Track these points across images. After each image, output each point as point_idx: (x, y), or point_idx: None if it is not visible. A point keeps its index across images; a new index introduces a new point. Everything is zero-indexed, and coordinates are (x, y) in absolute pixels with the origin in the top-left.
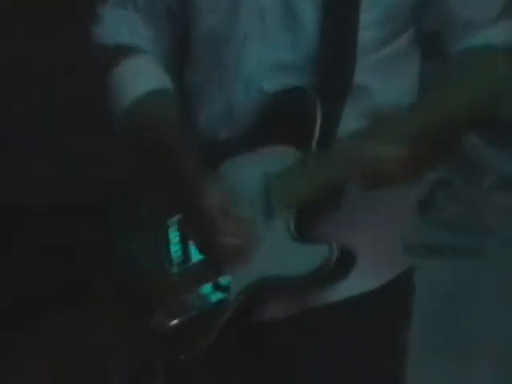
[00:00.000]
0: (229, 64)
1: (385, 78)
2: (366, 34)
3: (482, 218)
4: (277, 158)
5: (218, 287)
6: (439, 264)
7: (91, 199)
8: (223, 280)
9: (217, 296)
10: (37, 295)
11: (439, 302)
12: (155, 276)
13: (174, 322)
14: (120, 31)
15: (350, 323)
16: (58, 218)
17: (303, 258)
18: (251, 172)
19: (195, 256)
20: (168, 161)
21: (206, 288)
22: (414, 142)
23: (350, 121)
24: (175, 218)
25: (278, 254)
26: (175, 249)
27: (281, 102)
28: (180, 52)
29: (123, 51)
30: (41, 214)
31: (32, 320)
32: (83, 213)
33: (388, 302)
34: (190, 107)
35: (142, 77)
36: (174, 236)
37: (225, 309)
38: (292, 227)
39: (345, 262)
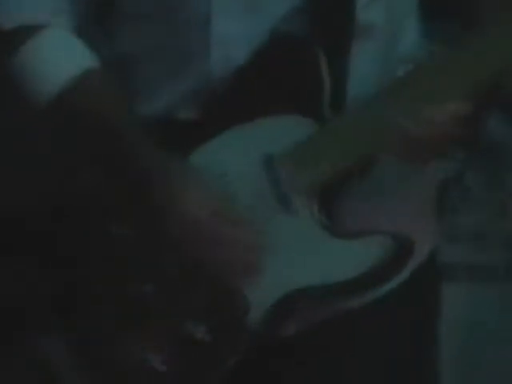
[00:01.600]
0: (192, 25)
1: (391, 12)
2: None
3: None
4: (275, 132)
5: None
6: (453, 288)
7: None
8: None
9: None
10: None
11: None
12: None
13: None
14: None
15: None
16: None
17: (346, 256)
18: (241, 155)
19: None
20: (122, 153)
21: None
22: (470, 97)
23: (363, 71)
24: None
25: (309, 255)
26: None
27: (270, 58)
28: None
29: (29, 31)
30: None
31: None
32: None
33: (414, 294)
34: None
35: (65, 54)
36: None
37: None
38: (321, 217)
39: (401, 253)
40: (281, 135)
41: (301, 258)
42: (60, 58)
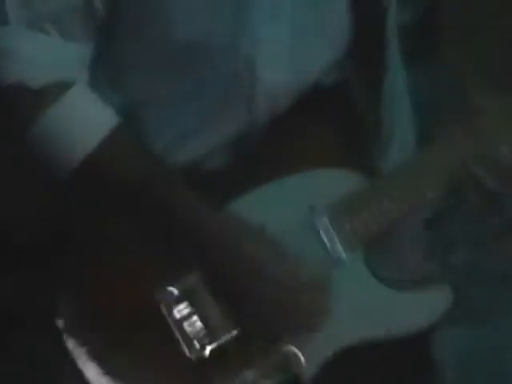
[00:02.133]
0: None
1: None
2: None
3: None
4: (320, 185)
5: None
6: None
7: None
8: None
9: None
10: None
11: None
12: None
13: None
14: (47, 65)
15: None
16: None
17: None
18: (284, 208)
19: None
20: (172, 211)
21: None
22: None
23: None
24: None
25: (366, 309)
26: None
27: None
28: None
29: (57, 89)
30: None
31: None
32: None
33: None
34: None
35: (93, 114)
36: None
37: None
38: (379, 270)
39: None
40: (326, 189)
41: (358, 310)
42: (87, 119)
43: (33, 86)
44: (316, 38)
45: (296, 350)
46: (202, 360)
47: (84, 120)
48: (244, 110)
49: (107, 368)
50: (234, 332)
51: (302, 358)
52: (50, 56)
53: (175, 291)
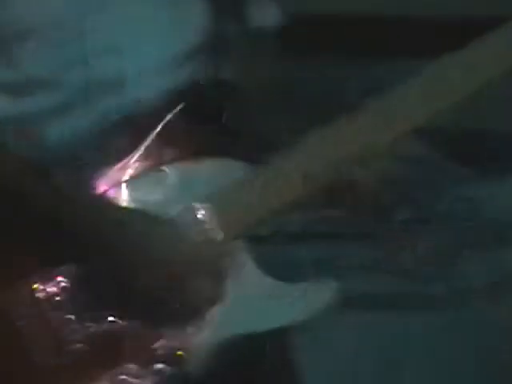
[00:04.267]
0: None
1: None
2: None
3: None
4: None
5: None
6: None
7: None
8: None
9: None
10: None
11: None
12: None
13: None
14: None
15: None
16: None
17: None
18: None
19: None
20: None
21: None
22: None
23: None
24: None
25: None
26: None
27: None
28: None
29: None
30: None
31: None
32: None
33: None
34: None
35: None
36: None
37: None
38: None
39: None
40: (208, 177)
41: (245, 302)
42: None
43: None
44: (178, 18)
45: (178, 345)
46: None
47: None
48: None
49: None
50: (106, 325)
51: (185, 353)
52: None
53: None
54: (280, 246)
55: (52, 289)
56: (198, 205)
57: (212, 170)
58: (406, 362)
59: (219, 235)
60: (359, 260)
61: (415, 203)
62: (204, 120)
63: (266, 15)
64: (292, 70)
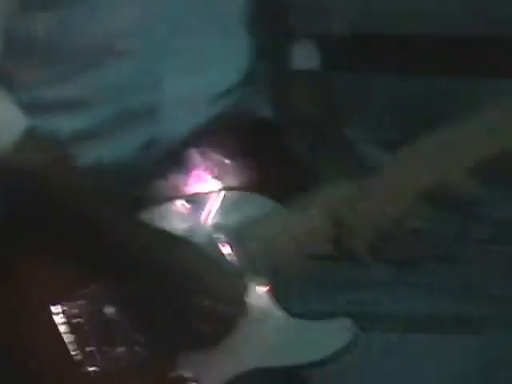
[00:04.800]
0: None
1: None
2: None
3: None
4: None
5: None
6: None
7: None
8: None
9: None
10: None
11: None
12: None
13: None
14: None
15: None
16: None
17: (309, 338)
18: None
19: None
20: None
21: None
22: None
23: None
24: None
25: (271, 335)
26: None
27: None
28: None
29: None
30: None
31: None
32: None
33: None
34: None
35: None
36: None
37: None
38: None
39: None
40: (235, 209)
41: (263, 337)
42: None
43: None
44: (217, 54)
45: (194, 374)
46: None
47: None
48: (147, 122)
49: None
50: (133, 348)
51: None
52: None
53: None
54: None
55: (74, 310)
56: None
57: (235, 203)
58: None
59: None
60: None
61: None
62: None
63: (306, 57)
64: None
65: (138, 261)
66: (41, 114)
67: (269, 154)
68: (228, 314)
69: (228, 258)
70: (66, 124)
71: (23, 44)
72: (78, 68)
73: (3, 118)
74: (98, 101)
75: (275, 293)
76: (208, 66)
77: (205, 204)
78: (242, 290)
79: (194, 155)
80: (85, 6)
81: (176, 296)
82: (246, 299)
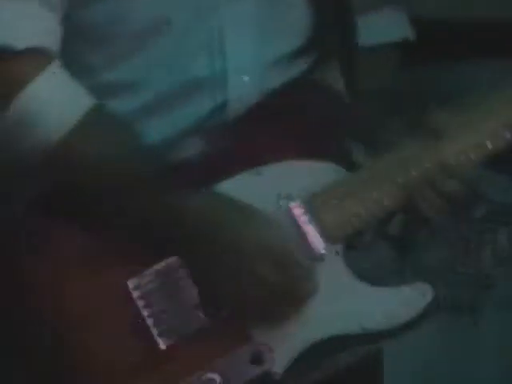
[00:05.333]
0: (199, 57)
1: None
2: None
3: (477, 263)
4: (299, 173)
5: None
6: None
7: None
8: None
9: None
10: None
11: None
12: None
13: None
14: (25, 28)
15: None
16: None
17: (382, 304)
18: (262, 197)
19: None
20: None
21: None
22: None
23: None
24: None
25: (343, 302)
26: None
27: (288, 100)
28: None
29: (37, 58)
30: None
31: None
32: None
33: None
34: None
35: (66, 93)
36: None
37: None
38: (357, 264)
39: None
40: (304, 179)
41: (334, 304)
42: (62, 100)
43: (16, 46)
44: (280, 21)
45: (269, 344)
46: (165, 351)
47: (59, 101)
48: (212, 90)
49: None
50: (205, 322)
51: (274, 354)
52: (30, 22)
53: (148, 277)
54: (369, 249)
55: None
56: (296, 205)
57: (310, 172)
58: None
59: (318, 238)
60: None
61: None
62: (305, 123)
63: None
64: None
65: (209, 236)
66: (102, 96)
67: (339, 125)
68: (300, 285)
69: (299, 226)
70: (127, 104)
71: (82, 29)
72: (135, 46)
73: (68, 96)
74: (157, 76)
75: (347, 259)
76: (272, 33)
77: (275, 173)
78: (314, 258)
79: (263, 123)
80: None
81: (243, 268)
82: (318, 267)
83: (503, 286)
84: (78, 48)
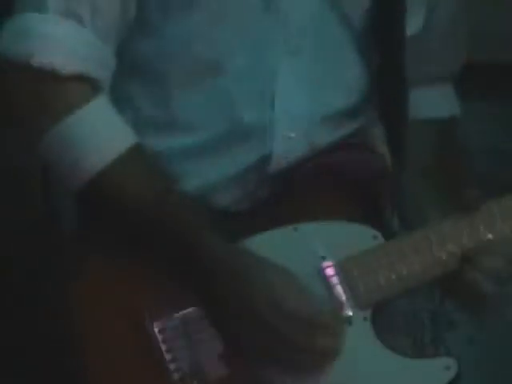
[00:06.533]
0: (256, 109)
1: None
2: None
3: None
4: (337, 237)
5: None
6: None
7: None
8: None
9: None
10: None
11: None
12: None
13: None
14: (79, 55)
15: None
16: None
17: (404, 374)
18: (298, 255)
19: None
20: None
21: None
22: None
23: None
24: None
25: (365, 370)
26: None
27: (335, 159)
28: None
29: (85, 86)
30: None
31: None
32: None
33: None
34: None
35: (112, 127)
36: None
37: None
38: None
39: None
40: (340, 241)
41: (356, 369)
42: (105, 134)
43: (61, 72)
44: (333, 79)
45: None
46: None
47: (101, 135)
48: (258, 140)
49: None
50: (224, 374)
51: None
52: (83, 46)
53: (173, 321)
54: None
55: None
56: (329, 264)
57: (347, 233)
58: None
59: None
60: None
61: None
62: (345, 184)
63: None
64: None
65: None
66: (146, 132)
67: (381, 190)
68: (324, 344)
69: (330, 287)
70: (172, 143)
71: (133, 64)
72: (183, 86)
73: (111, 132)
74: (205, 119)
75: (376, 326)
76: (323, 88)
77: (311, 231)
78: (343, 321)
79: (305, 179)
80: (187, 23)
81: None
82: (346, 331)
83: None
84: (126, 82)
